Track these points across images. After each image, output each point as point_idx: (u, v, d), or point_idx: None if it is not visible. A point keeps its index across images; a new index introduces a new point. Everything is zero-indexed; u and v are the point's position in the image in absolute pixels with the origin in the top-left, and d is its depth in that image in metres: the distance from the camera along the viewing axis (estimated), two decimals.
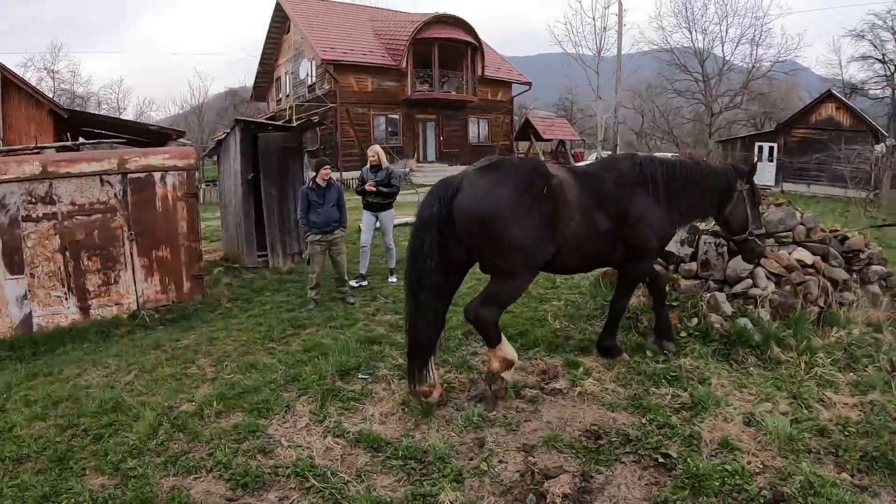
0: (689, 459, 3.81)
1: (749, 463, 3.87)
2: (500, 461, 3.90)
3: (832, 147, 27.04)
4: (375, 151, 8.81)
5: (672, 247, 6.63)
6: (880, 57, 40.56)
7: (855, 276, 6.61)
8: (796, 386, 4.96)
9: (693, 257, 6.66)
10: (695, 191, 5.42)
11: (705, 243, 6.49)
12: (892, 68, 39.73)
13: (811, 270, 6.21)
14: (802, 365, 5.28)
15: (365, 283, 8.87)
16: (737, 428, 4.28)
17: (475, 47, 32.49)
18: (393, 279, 8.96)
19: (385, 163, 8.93)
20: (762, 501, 3.51)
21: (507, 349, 4.71)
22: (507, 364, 4.69)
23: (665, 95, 45.20)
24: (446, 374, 5.26)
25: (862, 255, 6.73)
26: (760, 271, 6.08)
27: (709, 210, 5.65)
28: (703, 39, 40.96)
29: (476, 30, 32.29)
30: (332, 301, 7.97)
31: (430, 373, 4.66)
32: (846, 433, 4.35)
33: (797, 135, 31.14)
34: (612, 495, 3.57)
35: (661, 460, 3.86)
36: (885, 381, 5.18)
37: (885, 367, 5.46)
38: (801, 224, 6.65)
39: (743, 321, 5.69)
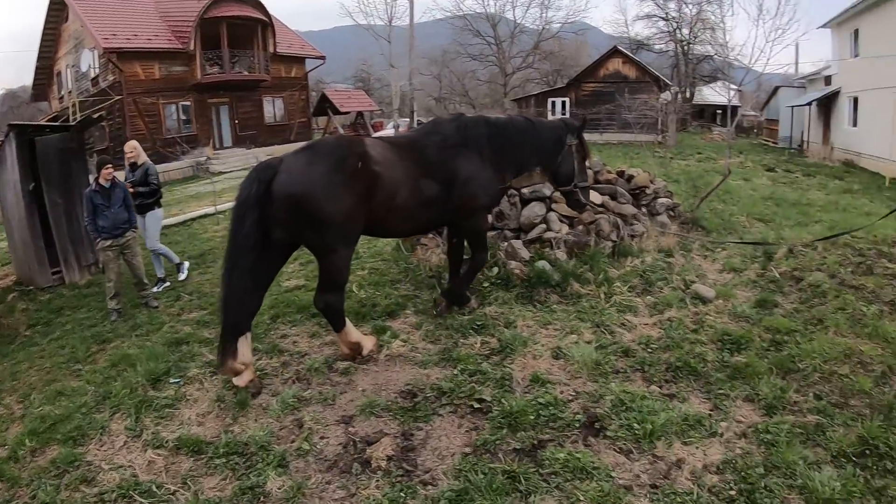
0: (503, 400, 3.97)
1: (561, 392, 4.10)
2: (322, 437, 3.85)
3: (620, 98, 29.50)
4: (132, 147, 8.09)
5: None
6: (664, 15, 44.59)
7: (644, 209, 7.16)
8: (598, 315, 5.33)
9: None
10: (525, 147, 5.63)
11: None
12: (675, 25, 43.75)
13: (601, 209, 6.64)
14: (602, 295, 5.69)
15: (167, 283, 8.24)
16: (546, 363, 4.53)
17: (266, 24, 30.76)
18: (157, 288, 8.11)
19: (143, 159, 8.24)
20: (578, 425, 3.72)
21: (352, 332, 4.88)
22: (356, 346, 4.84)
23: (460, 60, 46.92)
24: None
25: (648, 191, 7.32)
26: (553, 215, 6.45)
27: (539, 164, 5.86)
28: (495, 4, 42.63)
29: (266, 6, 30.93)
30: (136, 308, 7.36)
31: (242, 352, 4.55)
32: (649, 350, 4.77)
33: (587, 89, 33.96)
34: (435, 447, 3.65)
35: (476, 406, 3.99)
36: (680, 298, 5.71)
37: (678, 286, 5.99)
38: (590, 168, 7.06)
39: (541, 264, 6.01)
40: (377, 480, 3.39)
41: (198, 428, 4.14)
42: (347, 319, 4.86)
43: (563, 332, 5.08)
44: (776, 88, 40.26)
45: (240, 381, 4.53)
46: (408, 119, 29.54)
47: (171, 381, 4.92)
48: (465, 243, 5.68)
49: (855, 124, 27.45)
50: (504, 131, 5.54)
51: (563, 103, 34.41)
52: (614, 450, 3.56)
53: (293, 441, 3.82)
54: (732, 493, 3.21)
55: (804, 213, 10.59)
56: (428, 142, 5.28)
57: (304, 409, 4.19)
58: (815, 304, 5.55)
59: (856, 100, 27.42)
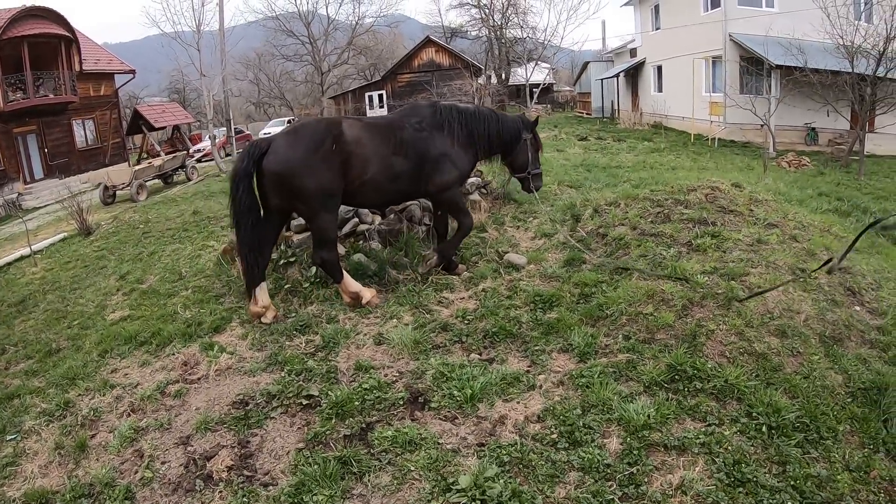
0: (330, 392, 4.15)
1: (385, 375, 4.35)
2: (163, 462, 3.84)
3: (435, 85, 30.33)
4: None
5: None
6: (475, 3, 45.95)
7: None
8: (416, 297, 5.64)
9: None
10: (491, 134, 6.35)
11: None
12: (486, 11, 45.28)
13: None
14: (419, 278, 5.98)
15: None
16: (369, 350, 4.78)
17: (70, 40, 27.90)
18: None
19: None
20: (402, 403, 3.99)
21: (351, 283, 5.78)
22: (355, 295, 5.72)
23: (275, 62, 46.15)
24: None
25: None
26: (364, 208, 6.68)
27: (500, 151, 6.60)
28: (308, 2, 42.15)
29: (68, 20, 28.22)
30: None
31: (261, 298, 5.66)
32: (466, 321, 5.10)
33: (403, 80, 34.84)
34: (271, 449, 3.76)
35: (306, 402, 4.14)
36: (494, 269, 6.13)
37: (493, 258, 6.43)
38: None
39: (357, 257, 6.28)
40: (220, 491, 3.45)
41: (42, 480, 3.95)
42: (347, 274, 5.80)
43: (383, 318, 5.34)
44: (586, 63, 43.17)
45: (266, 319, 5.63)
46: (224, 129, 28.47)
47: (8, 438, 4.64)
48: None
49: (661, 90, 30.32)
50: (474, 118, 6.26)
51: (381, 96, 34.99)
52: (440, 419, 3.84)
53: (136, 472, 3.78)
54: (554, 436, 3.56)
55: (613, 175, 11.56)
56: (403, 123, 6.01)
57: (142, 438, 4.12)
58: (620, 256, 6.09)
59: (660, 68, 30.28)
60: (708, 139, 21.76)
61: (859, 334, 4.71)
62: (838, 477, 3.29)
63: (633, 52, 34.94)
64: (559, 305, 5.19)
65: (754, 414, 3.68)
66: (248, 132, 37.31)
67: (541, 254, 6.53)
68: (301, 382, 4.37)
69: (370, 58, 45.47)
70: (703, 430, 3.57)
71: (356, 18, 43.77)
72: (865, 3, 21.30)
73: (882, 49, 17.20)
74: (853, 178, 15.48)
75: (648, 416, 3.60)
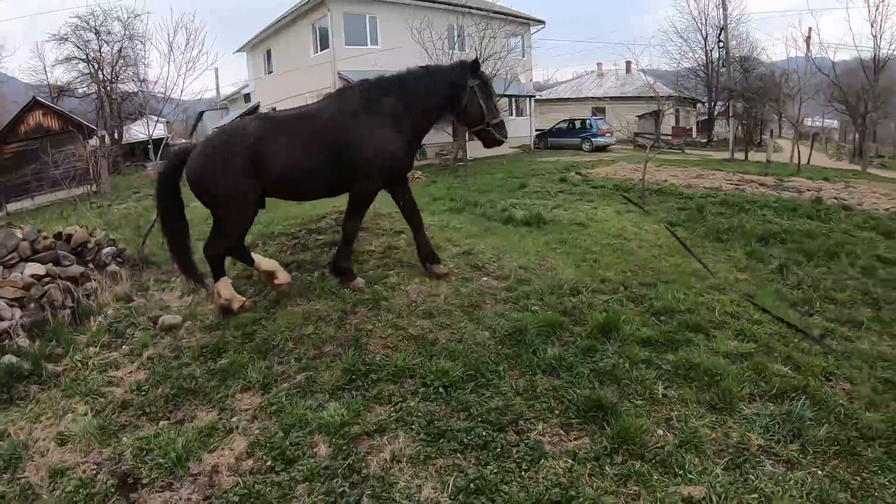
0: None
1: (84, 472, 3.95)
2: None
3: (45, 153, 26.66)
4: None
5: None
6: (84, 56, 41.77)
7: (91, 265, 7.06)
8: (84, 385, 5.08)
9: None
10: (427, 98, 5.90)
11: None
12: (96, 65, 41.29)
13: (48, 280, 6.33)
14: (79, 364, 5.45)
15: None
16: (56, 454, 4.17)
17: None
18: None
19: None
20: (113, 490, 3.74)
21: (225, 287, 5.95)
22: (225, 302, 5.88)
23: None
24: None
25: (90, 245, 7.22)
26: (0, 303, 5.89)
27: (446, 112, 6.08)
28: None
29: None
30: None
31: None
32: (143, 393, 4.83)
33: (10, 150, 29.57)
34: None
35: None
36: (153, 335, 5.85)
37: (148, 326, 6.11)
38: (24, 240, 6.59)
39: (6, 359, 5.39)
40: None
41: None
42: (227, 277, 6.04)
43: (56, 417, 4.71)
44: (201, 113, 42.49)
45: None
46: None
47: None
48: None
49: None
50: (404, 86, 5.87)
51: None
52: (157, 491, 3.71)
53: None
54: (269, 463, 3.78)
55: None
56: (321, 111, 5.92)
57: None
58: (269, 292, 6.42)
59: (274, 111, 31.19)
60: None
61: (492, 297, 6.01)
62: (514, 401, 4.24)
63: (247, 98, 35.63)
64: (227, 350, 5.29)
65: (428, 382, 4.46)
66: None
67: (194, 308, 6.46)
68: None
69: None
70: (393, 409, 4.20)
71: None
72: (458, 35, 24.98)
73: None
74: (462, 181, 18.15)
75: (342, 416, 4.05)
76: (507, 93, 23.97)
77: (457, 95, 5.94)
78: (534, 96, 37.64)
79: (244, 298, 6.06)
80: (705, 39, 46.68)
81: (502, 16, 28.18)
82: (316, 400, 4.36)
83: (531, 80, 36.55)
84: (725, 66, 44.19)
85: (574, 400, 4.25)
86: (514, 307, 5.78)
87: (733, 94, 39.52)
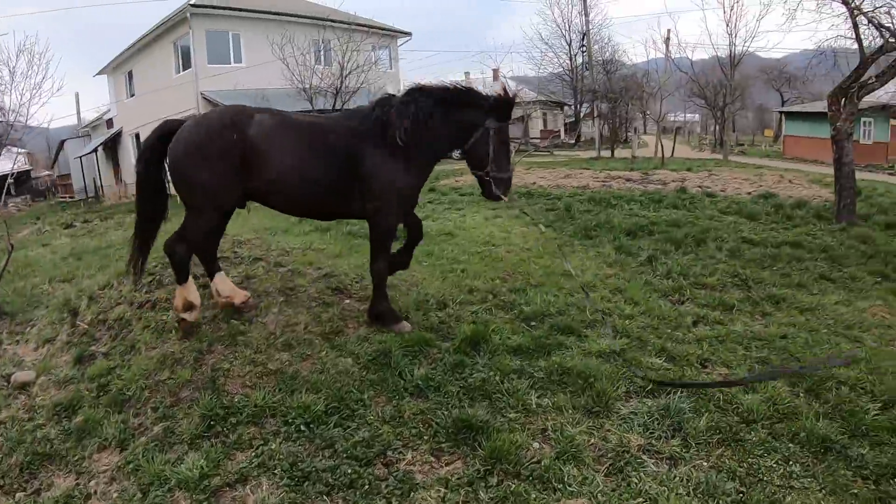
0: None
1: None
2: None
3: None
4: None
5: None
6: None
7: None
8: None
9: None
10: (440, 128, 5.23)
11: None
12: None
13: None
14: None
15: None
16: None
17: None
18: None
19: None
20: None
21: (192, 291, 5.51)
22: (189, 305, 5.46)
23: None
24: None
25: None
26: None
27: (454, 145, 5.45)
28: None
29: None
30: None
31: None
32: None
33: None
34: None
35: None
36: (5, 395, 5.37)
37: (1, 385, 5.61)
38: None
39: None
40: None
41: None
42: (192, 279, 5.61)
43: None
44: (62, 142, 39.93)
45: (236, 302, 5.78)
46: None
47: None
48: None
49: None
50: (416, 108, 5.13)
51: None
52: None
53: None
54: None
55: (105, 256, 11.04)
56: (338, 126, 5.33)
57: None
58: (125, 335, 5.97)
59: (138, 136, 29.70)
60: None
61: (354, 320, 5.83)
62: (381, 431, 4.08)
63: (109, 123, 33.73)
64: (82, 406, 4.90)
65: (290, 420, 4.24)
66: None
67: (49, 361, 5.94)
68: None
69: None
70: (254, 454, 3.96)
71: None
72: (322, 50, 24.74)
73: (338, 86, 20.27)
74: None
75: (201, 468, 3.78)
76: None
77: (466, 132, 5.31)
78: None
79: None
80: (569, 45, 49.09)
81: (367, 28, 28.23)
82: (175, 452, 4.08)
83: (399, 91, 36.73)
84: (589, 69, 46.28)
85: (443, 423, 4.14)
86: (378, 329, 5.64)
87: (597, 95, 41.41)
